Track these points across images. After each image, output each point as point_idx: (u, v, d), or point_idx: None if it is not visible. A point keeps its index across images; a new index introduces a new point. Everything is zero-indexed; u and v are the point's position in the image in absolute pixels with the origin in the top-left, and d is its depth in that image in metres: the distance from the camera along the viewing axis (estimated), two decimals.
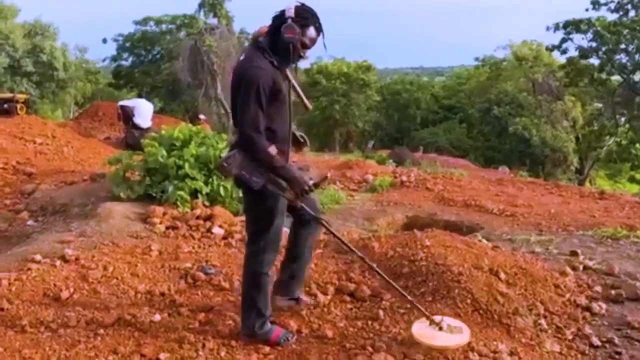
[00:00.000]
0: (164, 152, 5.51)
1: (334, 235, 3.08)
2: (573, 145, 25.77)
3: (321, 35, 2.73)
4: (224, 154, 2.92)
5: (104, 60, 31.35)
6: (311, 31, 2.67)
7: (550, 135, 25.23)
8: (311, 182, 2.73)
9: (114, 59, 29.92)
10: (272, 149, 2.63)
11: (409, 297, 2.86)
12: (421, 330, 2.61)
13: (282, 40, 2.62)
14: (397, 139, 32.04)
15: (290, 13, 2.61)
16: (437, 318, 2.67)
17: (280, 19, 2.65)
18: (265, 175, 2.66)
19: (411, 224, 6.56)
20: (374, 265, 3.06)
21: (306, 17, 2.65)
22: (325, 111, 30.56)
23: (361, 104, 31.25)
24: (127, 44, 29.27)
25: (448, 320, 2.70)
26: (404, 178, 9.12)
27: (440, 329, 2.57)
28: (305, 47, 2.71)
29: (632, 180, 26.35)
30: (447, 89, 37.20)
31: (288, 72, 2.79)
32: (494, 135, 28.59)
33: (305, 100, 2.98)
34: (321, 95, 30.51)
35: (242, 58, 2.78)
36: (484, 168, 18.65)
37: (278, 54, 2.67)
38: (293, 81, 2.82)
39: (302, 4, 2.68)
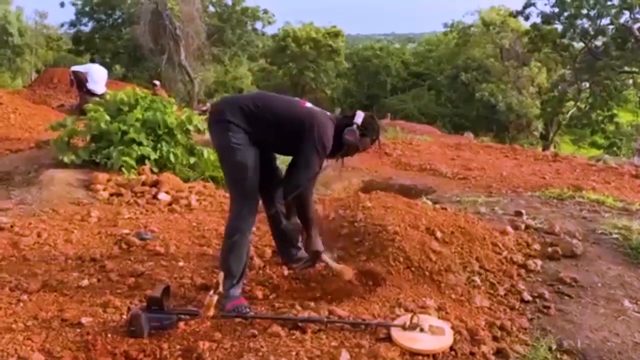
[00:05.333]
0: (107, 117, 5.33)
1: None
2: (537, 111, 26.13)
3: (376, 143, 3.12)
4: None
5: (62, 25, 30.08)
6: (367, 141, 3.03)
7: (515, 101, 25.51)
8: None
9: (72, 24, 28.70)
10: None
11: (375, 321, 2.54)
12: (402, 332, 2.42)
13: (343, 137, 2.92)
14: (366, 106, 31.93)
15: (358, 120, 2.95)
16: (415, 320, 2.45)
17: (350, 119, 2.96)
18: None
19: (367, 188, 6.58)
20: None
21: (369, 129, 2.99)
22: (293, 78, 30.16)
23: (330, 70, 30.92)
24: (87, 8, 28.07)
25: (429, 320, 2.52)
26: None
27: (422, 330, 2.42)
28: (357, 150, 3.06)
29: (595, 145, 26.99)
30: (417, 55, 37.06)
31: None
32: (462, 101, 28.76)
33: None
34: (290, 60, 30.04)
35: (318, 110, 2.99)
36: (450, 135, 18.79)
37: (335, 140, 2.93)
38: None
39: (372, 116, 3.04)
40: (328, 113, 3.02)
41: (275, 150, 3.08)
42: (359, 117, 2.95)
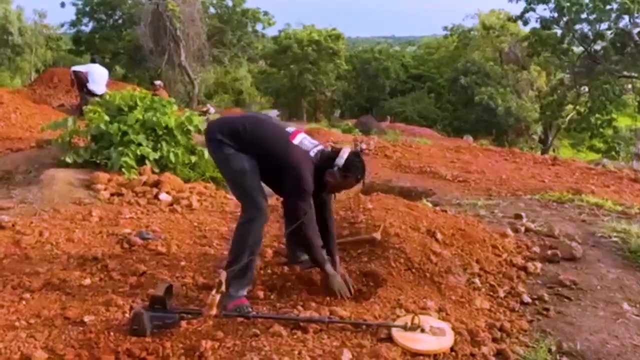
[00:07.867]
0: (107, 118, 5.34)
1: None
2: (536, 114, 26.18)
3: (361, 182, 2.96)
4: None
5: (62, 25, 30.07)
6: (351, 181, 2.91)
7: (515, 105, 25.57)
8: None
9: (73, 24, 28.69)
10: None
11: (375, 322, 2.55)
12: (403, 332, 2.44)
13: (324, 179, 2.85)
14: (366, 109, 32.02)
15: (340, 162, 2.83)
16: (416, 320, 2.47)
17: (333, 159, 2.84)
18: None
19: (367, 190, 6.58)
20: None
21: (352, 170, 2.86)
22: (293, 79, 30.19)
23: (330, 72, 30.97)
24: (87, 8, 28.08)
25: (430, 321, 2.54)
26: (364, 146, 9.15)
27: (423, 331, 2.44)
28: (340, 190, 3.04)
29: (593, 149, 27.01)
30: (417, 58, 37.21)
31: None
32: (461, 105, 28.81)
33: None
34: (290, 62, 30.07)
35: (302, 150, 2.88)
36: (449, 138, 18.80)
37: (318, 178, 2.86)
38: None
39: (357, 154, 2.90)
40: (314, 150, 2.91)
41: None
42: (342, 158, 2.84)
